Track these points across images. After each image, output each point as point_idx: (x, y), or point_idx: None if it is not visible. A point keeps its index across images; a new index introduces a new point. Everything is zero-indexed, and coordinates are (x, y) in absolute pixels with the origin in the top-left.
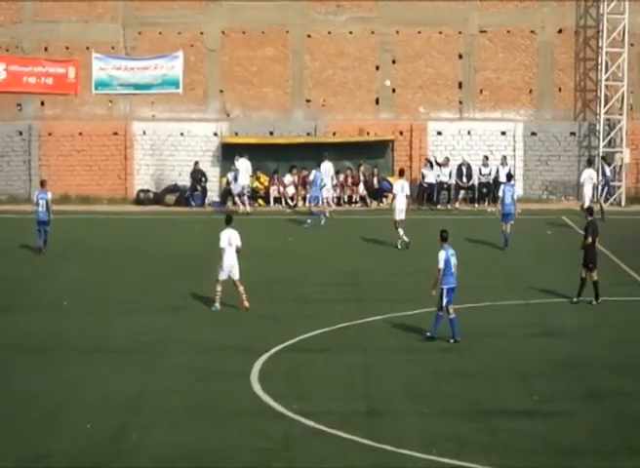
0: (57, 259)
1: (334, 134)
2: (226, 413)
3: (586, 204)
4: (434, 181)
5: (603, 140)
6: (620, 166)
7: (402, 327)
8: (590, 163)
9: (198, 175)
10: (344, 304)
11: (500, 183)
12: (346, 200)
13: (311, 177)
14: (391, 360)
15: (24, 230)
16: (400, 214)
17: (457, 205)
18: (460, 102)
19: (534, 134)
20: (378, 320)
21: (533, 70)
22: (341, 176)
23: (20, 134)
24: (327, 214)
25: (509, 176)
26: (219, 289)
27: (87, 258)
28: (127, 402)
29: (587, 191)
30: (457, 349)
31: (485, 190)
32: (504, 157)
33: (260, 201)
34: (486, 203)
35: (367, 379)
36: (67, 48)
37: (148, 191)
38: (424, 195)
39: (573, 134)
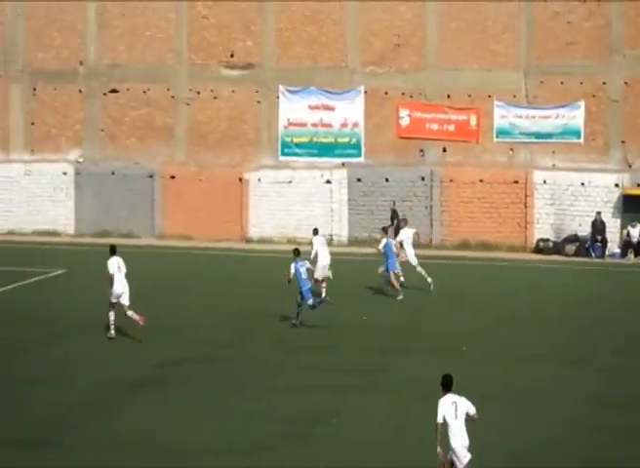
0: (449, 304)
1: None
2: None
3: None
4: None
5: None
6: None
7: None
8: None
9: (599, 226)
10: None
11: None
12: None
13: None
14: None
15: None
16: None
17: None
18: None
19: None
20: None
21: None
22: None
23: (423, 179)
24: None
25: None
26: None
27: (480, 304)
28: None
29: None
30: None
31: None
32: None
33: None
34: None
35: None
36: (469, 95)
37: (548, 240)
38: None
39: None
